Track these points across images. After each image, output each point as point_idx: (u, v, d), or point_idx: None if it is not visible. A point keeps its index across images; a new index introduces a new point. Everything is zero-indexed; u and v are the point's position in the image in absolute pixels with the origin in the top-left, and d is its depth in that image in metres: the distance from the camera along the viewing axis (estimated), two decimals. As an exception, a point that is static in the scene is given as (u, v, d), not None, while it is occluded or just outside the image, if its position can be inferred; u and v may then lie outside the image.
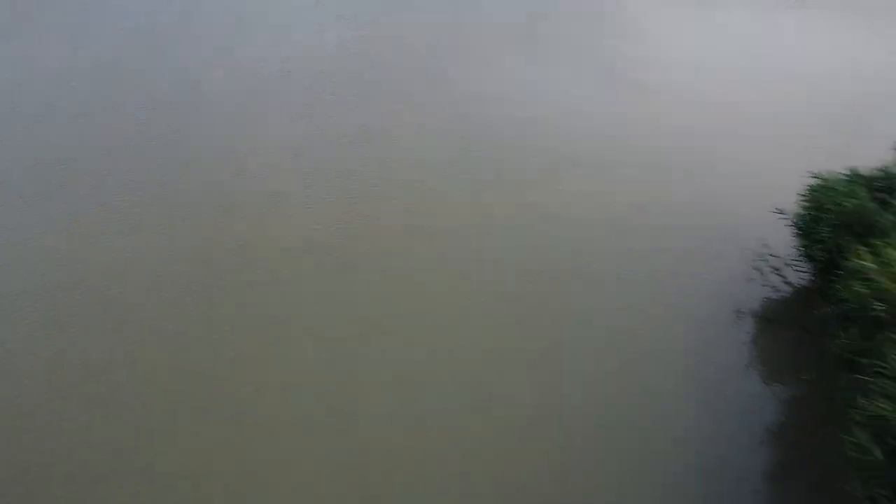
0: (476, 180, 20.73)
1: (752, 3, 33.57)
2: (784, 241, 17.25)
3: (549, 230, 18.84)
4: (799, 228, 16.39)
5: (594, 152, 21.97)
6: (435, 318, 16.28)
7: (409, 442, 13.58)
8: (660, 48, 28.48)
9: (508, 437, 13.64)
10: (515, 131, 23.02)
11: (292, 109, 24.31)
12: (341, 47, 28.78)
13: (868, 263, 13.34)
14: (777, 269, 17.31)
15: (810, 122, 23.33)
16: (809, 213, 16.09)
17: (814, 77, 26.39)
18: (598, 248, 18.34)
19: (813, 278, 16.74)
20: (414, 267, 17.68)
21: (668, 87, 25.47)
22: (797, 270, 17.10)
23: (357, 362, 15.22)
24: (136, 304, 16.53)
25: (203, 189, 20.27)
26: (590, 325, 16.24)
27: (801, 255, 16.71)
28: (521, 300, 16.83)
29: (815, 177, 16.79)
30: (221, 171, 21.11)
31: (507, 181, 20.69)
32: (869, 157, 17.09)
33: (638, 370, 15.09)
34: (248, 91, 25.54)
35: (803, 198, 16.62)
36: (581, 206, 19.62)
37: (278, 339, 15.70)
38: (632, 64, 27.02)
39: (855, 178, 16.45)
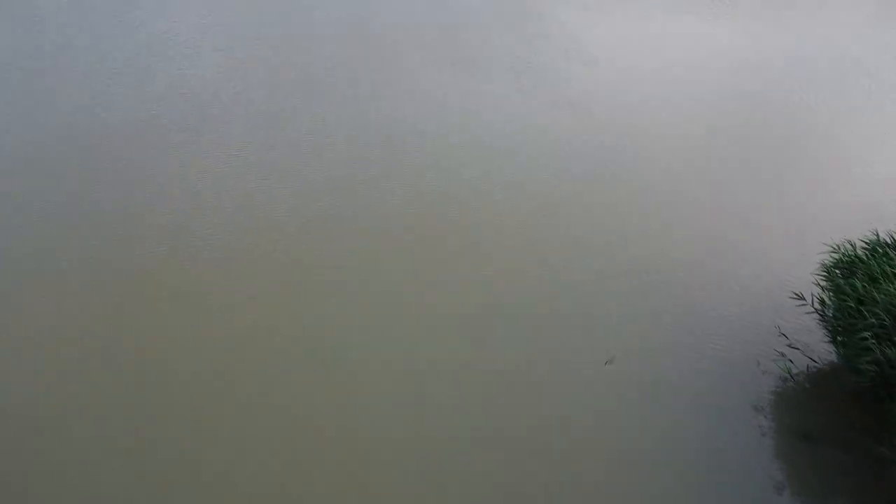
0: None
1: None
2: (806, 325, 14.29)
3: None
4: (829, 327, 13.33)
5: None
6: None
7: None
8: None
9: None
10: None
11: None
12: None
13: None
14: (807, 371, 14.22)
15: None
16: (839, 302, 13.04)
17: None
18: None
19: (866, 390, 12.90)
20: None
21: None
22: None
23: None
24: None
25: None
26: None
27: (842, 363, 13.57)
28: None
29: (835, 251, 13.84)
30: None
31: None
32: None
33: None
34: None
35: (824, 279, 13.63)
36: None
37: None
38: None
39: (882, 247, 13.59)
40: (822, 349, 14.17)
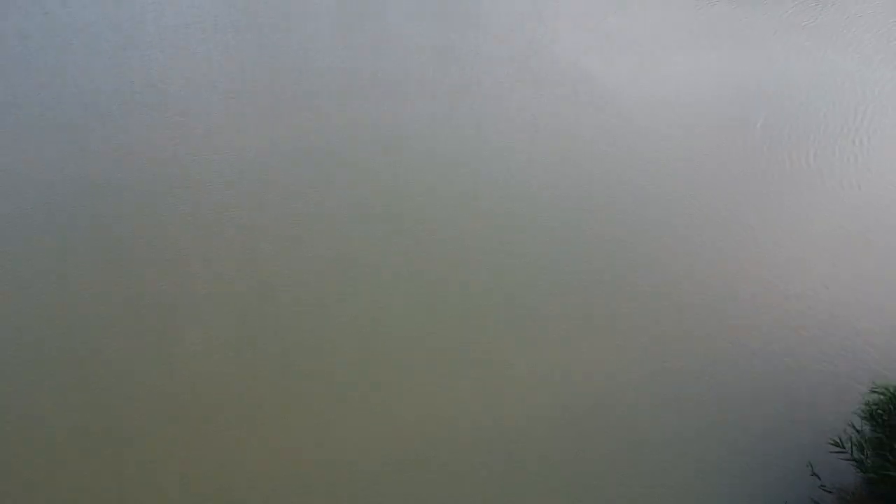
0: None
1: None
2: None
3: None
4: (873, 480, 12.26)
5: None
6: None
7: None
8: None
9: None
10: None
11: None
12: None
13: None
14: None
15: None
16: (886, 453, 11.98)
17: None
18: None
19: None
20: None
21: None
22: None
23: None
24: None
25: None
26: None
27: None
28: None
29: (875, 391, 12.80)
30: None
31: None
32: None
33: None
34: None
35: (865, 419, 12.58)
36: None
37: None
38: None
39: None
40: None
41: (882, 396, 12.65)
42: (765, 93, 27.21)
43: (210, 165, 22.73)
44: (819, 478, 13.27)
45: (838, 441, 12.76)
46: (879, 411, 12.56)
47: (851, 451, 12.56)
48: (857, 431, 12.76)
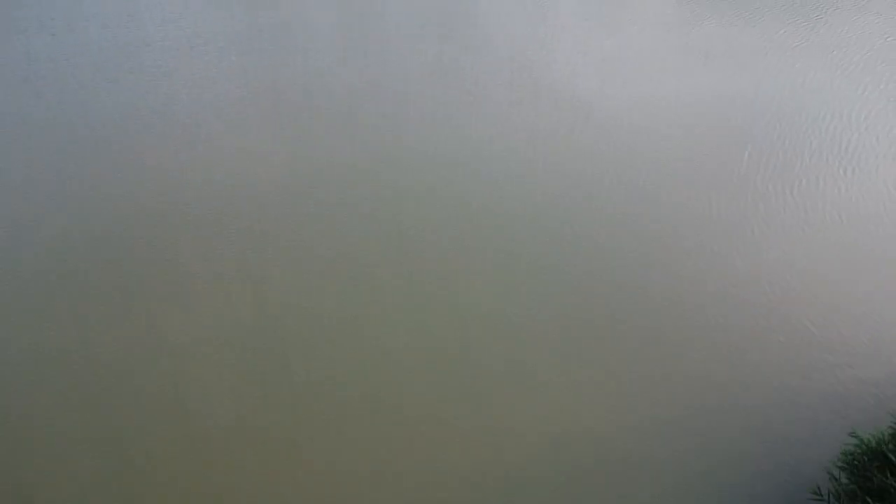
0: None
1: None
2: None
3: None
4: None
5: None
6: None
7: None
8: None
9: None
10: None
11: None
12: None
13: None
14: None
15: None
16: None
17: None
18: None
19: None
20: None
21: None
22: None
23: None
24: None
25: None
26: None
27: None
28: None
29: (854, 434, 13.70)
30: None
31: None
32: None
33: None
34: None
35: (842, 469, 13.48)
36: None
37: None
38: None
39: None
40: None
41: (857, 448, 13.53)
42: (754, 118, 27.95)
43: (215, 185, 23.56)
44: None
45: (817, 489, 13.69)
46: (855, 462, 13.43)
47: (829, 500, 13.47)
48: (835, 480, 13.63)
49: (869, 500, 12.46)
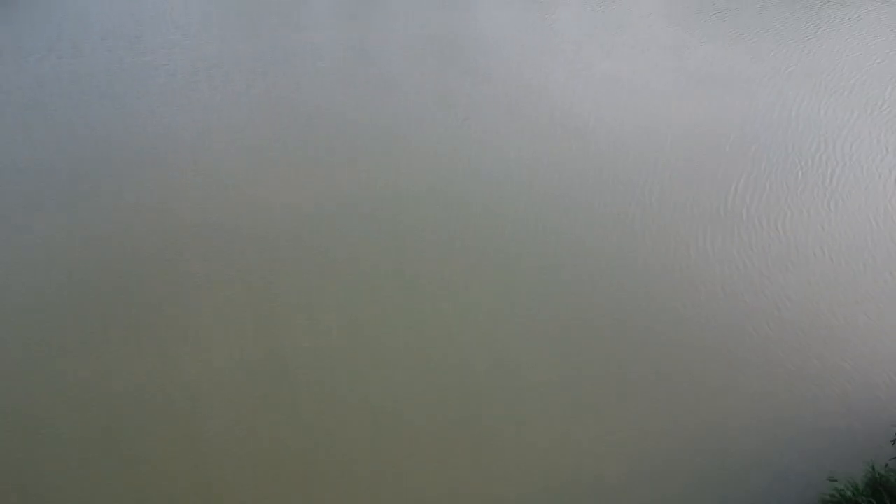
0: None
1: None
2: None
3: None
4: None
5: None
6: None
7: None
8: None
9: None
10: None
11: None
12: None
13: None
14: None
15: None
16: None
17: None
18: None
19: None
20: None
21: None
22: None
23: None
24: None
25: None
26: None
27: None
28: None
29: (832, 478, 14.47)
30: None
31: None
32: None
33: None
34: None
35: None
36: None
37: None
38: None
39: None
40: None
41: (832, 498, 14.33)
42: (746, 145, 28.66)
43: (219, 214, 24.43)
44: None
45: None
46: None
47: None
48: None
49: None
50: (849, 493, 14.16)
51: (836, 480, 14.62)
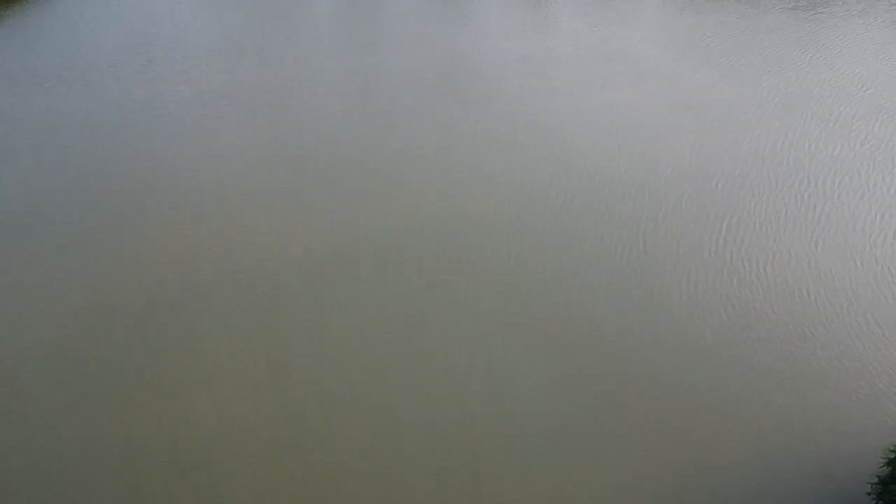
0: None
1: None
2: None
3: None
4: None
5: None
6: None
7: None
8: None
9: None
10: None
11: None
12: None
13: None
14: None
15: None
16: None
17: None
18: None
19: None
20: None
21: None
22: None
23: None
24: None
25: None
26: None
27: None
28: None
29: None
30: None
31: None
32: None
33: None
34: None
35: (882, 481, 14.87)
36: None
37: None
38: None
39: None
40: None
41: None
42: (733, 183, 29.60)
43: (232, 255, 25.42)
44: None
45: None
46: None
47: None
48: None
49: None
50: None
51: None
